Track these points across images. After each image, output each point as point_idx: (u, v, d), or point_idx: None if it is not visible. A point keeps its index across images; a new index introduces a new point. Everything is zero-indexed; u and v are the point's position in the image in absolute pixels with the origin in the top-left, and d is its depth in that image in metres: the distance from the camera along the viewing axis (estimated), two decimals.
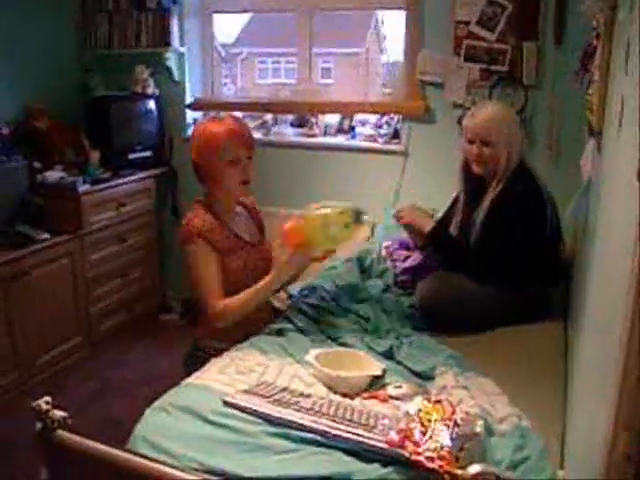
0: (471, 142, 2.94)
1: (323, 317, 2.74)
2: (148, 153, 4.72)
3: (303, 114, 4.71)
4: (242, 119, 2.69)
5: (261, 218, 2.93)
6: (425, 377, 2.29)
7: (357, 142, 4.57)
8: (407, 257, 3.25)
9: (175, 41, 4.68)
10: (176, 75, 4.80)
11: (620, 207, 1.27)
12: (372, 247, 3.54)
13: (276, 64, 6.16)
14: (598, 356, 1.37)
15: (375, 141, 4.50)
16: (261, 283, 2.59)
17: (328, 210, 2.61)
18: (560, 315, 2.91)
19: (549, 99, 3.89)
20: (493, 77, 3.95)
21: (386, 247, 3.42)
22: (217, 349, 2.51)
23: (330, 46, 5.99)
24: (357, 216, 2.63)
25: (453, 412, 1.81)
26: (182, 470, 1.63)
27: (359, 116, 4.68)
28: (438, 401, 1.87)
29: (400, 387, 2.14)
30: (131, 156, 4.58)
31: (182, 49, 4.75)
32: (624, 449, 0.87)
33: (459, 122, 3.71)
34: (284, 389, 2.10)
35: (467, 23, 3.94)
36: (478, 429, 1.78)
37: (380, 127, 4.53)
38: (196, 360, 2.54)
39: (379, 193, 4.34)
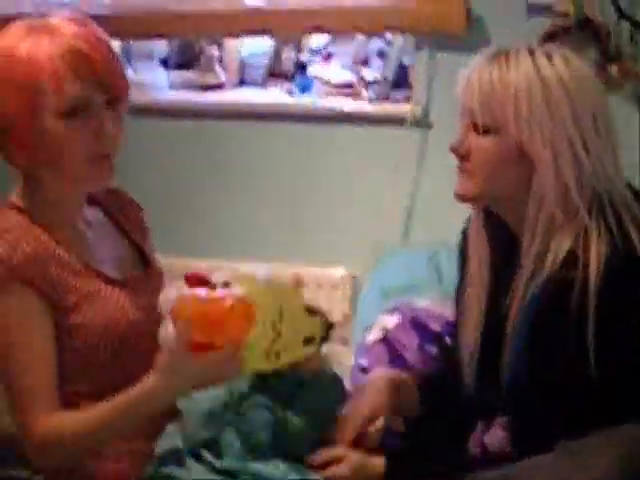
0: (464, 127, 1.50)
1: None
2: None
3: (188, 39, 2.60)
4: (88, 19, 1.32)
5: (142, 226, 1.66)
6: None
7: (312, 100, 2.48)
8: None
9: None
10: None
11: None
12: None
13: None
14: None
15: (356, 97, 2.42)
16: (132, 393, 1.34)
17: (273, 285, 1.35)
18: None
19: None
20: None
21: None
22: None
23: None
24: (325, 326, 1.42)
25: None
26: None
27: (314, 45, 2.55)
28: None
29: None
30: None
31: None
32: None
33: None
34: None
35: None
36: None
37: (365, 64, 2.43)
38: None
39: (368, 212, 2.47)
